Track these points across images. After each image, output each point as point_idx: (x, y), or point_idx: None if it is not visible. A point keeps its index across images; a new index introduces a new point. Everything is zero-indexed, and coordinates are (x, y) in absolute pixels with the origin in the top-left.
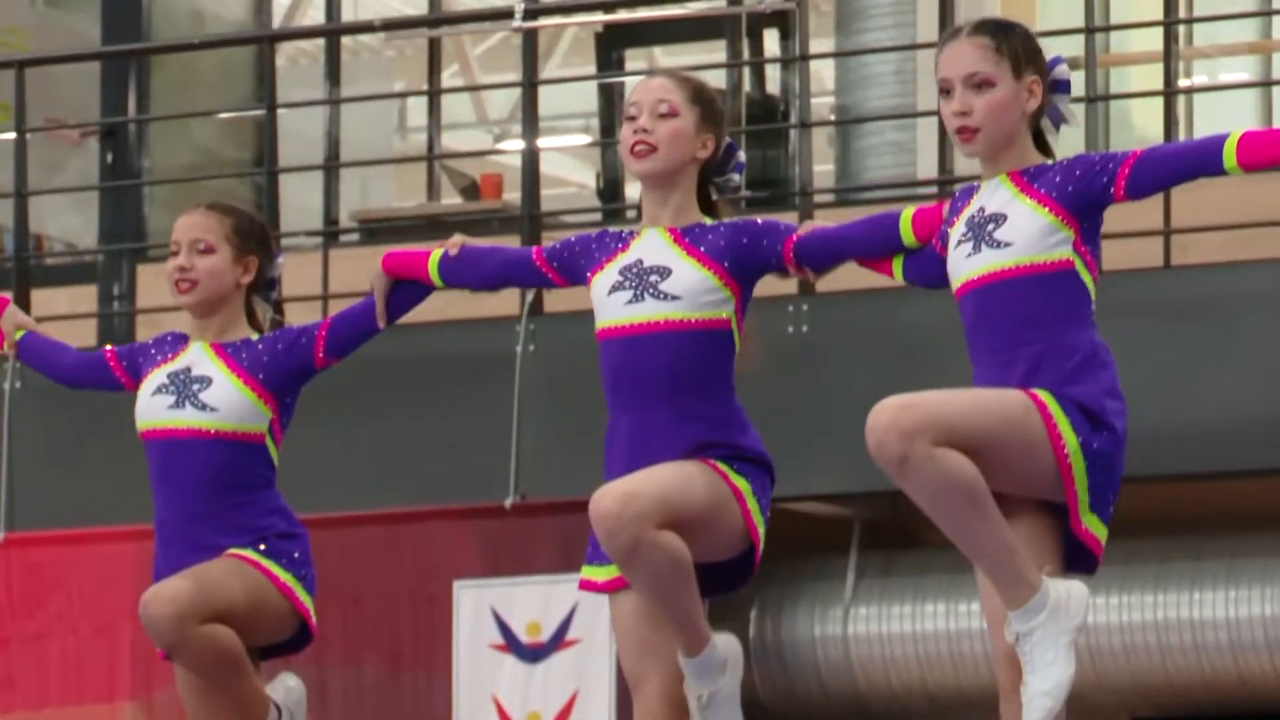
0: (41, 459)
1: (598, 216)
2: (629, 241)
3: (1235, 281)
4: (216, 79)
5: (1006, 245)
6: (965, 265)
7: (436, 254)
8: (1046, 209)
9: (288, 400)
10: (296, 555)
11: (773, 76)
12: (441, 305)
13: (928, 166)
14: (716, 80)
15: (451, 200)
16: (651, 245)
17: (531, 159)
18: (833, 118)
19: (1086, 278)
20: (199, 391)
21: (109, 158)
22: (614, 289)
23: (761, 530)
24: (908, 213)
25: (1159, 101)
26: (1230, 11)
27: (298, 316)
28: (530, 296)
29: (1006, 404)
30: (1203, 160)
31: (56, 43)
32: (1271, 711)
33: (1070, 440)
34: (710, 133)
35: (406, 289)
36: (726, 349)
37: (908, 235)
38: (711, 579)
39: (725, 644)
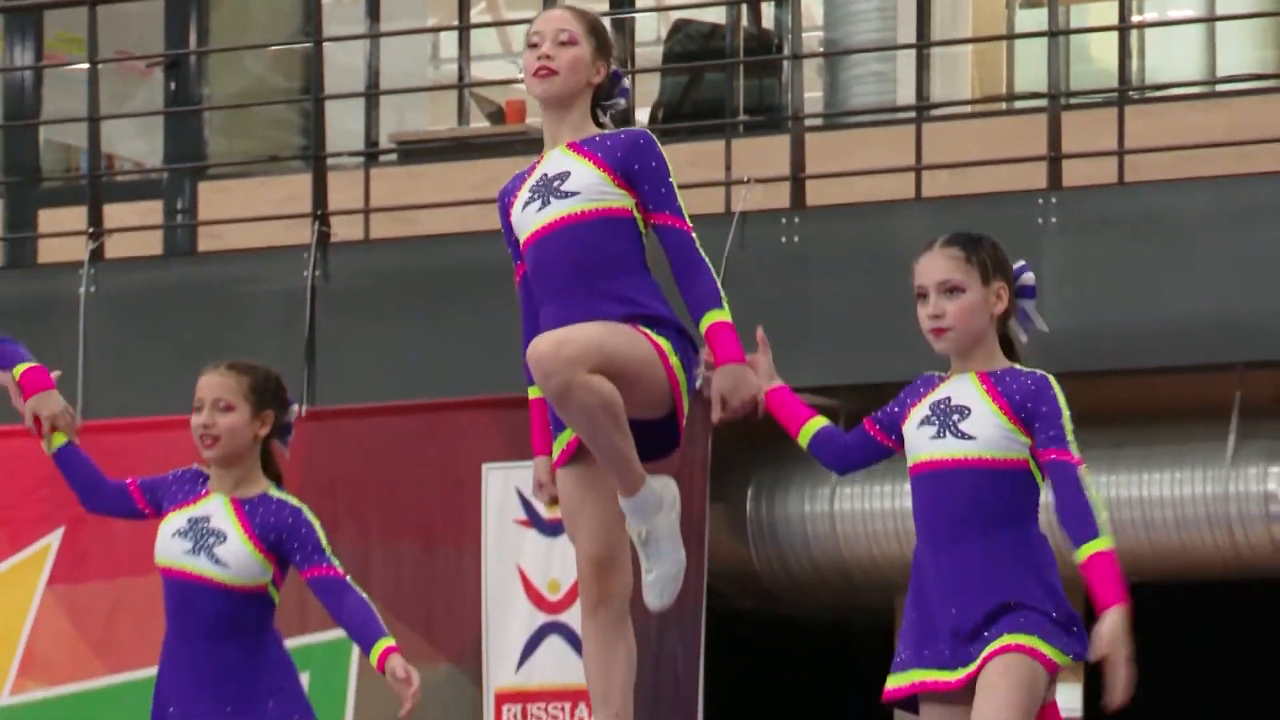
0: (111, 356)
1: None
2: (534, 166)
3: (1182, 198)
4: (268, 16)
5: (971, 438)
6: (927, 445)
7: None
8: (1007, 418)
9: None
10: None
11: (767, 13)
12: (465, 218)
13: (906, 94)
14: (717, 17)
15: (480, 124)
16: (554, 160)
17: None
18: (821, 50)
19: (1038, 477)
20: (214, 545)
21: (172, 86)
22: (526, 205)
23: (684, 389)
24: (816, 426)
25: (1115, 35)
26: None
27: (344, 229)
28: None
29: None
30: (1070, 538)
31: None
32: (1210, 579)
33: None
34: (603, 61)
35: None
36: (632, 233)
37: (804, 438)
38: (642, 442)
39: (661, 485)
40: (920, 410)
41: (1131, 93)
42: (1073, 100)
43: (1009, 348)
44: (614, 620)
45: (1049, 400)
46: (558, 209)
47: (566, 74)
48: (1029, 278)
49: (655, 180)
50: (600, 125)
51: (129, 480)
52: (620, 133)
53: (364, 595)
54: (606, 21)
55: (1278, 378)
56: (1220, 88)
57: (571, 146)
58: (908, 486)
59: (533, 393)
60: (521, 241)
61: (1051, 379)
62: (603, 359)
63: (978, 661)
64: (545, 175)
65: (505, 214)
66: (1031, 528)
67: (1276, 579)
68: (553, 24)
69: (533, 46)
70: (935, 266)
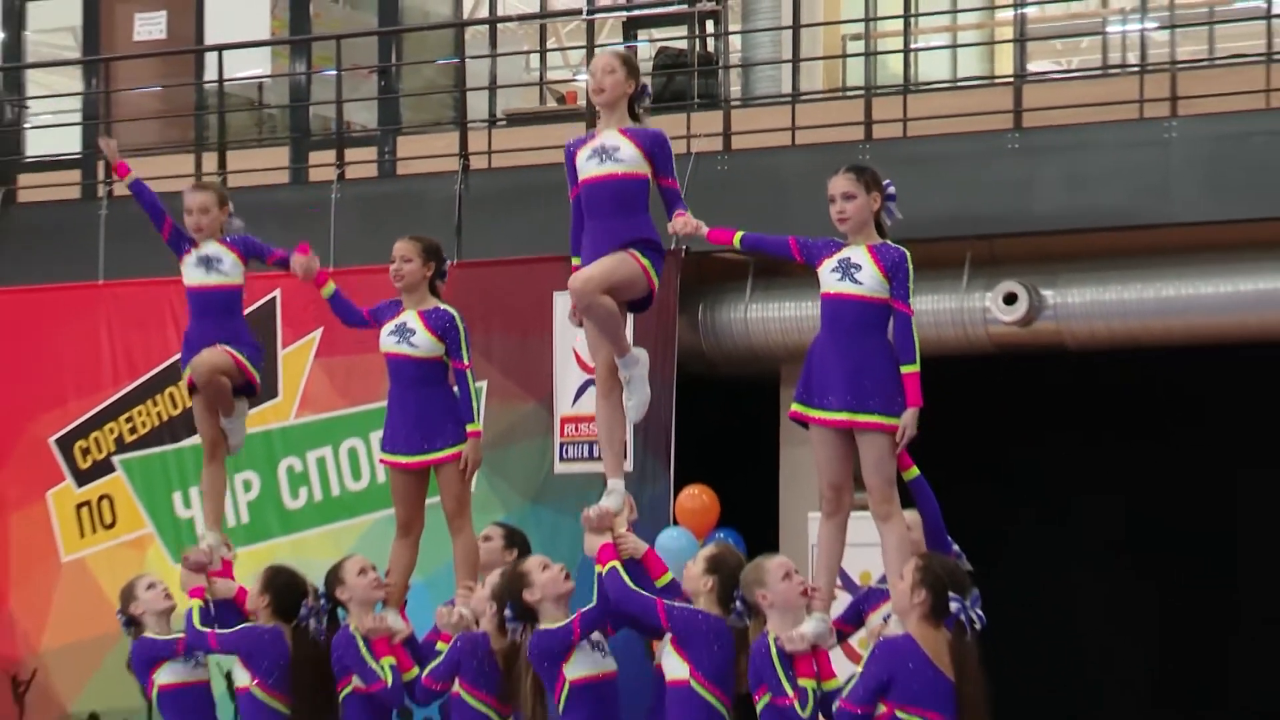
0: (351, 233)
1: None
2: (594, 135)
3: (940, 145)
4: (436, 43)
5: (860, 283)
6: (835, 284)
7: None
8: (881, 274)
9: (447, 341)
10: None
11: (710, 44)
12: (544, 157)
13: (787, 86)
14: (680, 44)
15: (551, 105)
16: (609, 136)
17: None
18: (740, 63)
19: (894, 311)
20: (409, 336)
21: (382, 82)
22: (589, 158)
23: (656, 282)
24: (740, 234)
25: (901, 55)
26: (941, 8)
27: (476, 162)
28: None
29: None
30: (898, 354)
31: (355, 26)
32: (954, 357)
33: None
34: (633, 80)
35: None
36: (645, 188)
37: (737, 241)
38: (633, 306)
39: (639, 352)
40: (831, 262)
41: (911, 86)
42: (878, 91)
43: (881, 230)
44: (617, 397)
45: (903, 269)
46: (610, 167)
47: (610, 91)
48: (892, 190)
49: (665, 161)
50: (634, 116)
51: (365, 310)
52: (649, 130)
53: (473, 388)
54: (623, 48)
55: (990, 245)
56: (960, 84)
57: (621, 131)
58: (787, 304)
59: (575, 261)
60: (580, 179)
61: (907, 253)
62: (609, 284)
63: (857, 415)
64: (603, 145)
65: (571, 158)
66: (886, 335)
67: (990, 357)
68: (601, 62)
69: (592, 75)
70: (840, 183)
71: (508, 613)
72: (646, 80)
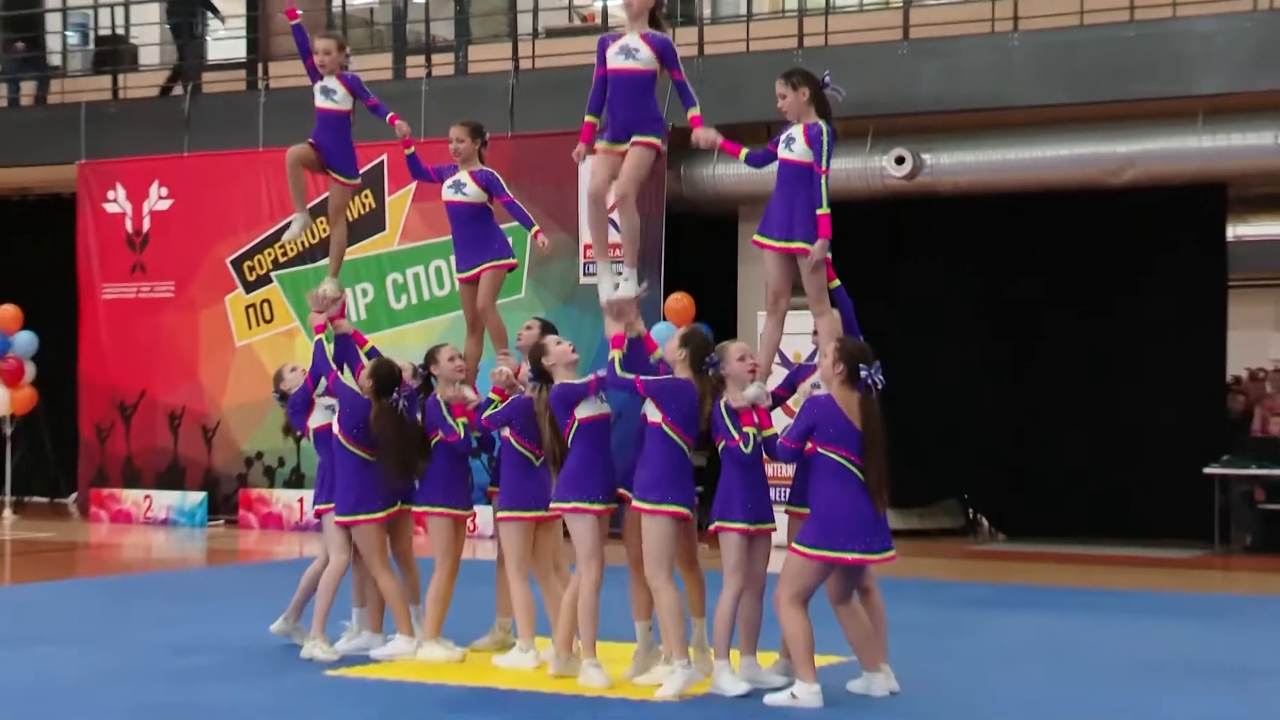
0: (433, 116)
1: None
2: (621, 35)
3: (858, 53)
4: None
5: (793, 151)
6: (781, 153)
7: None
8: (807, 145)
9: (490, 189)
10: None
11: None
12: (575, 59)
13: (742, 9)
14: None
15: (578, 23)
16: (632, 39)
17: (604, 5)
18: None
19: (815, 173)
20: (462, 187)
21: (457, 6)
22: (616, 54)
23: (661, 145)
24: (745, 152)
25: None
26: None
27: (524, 64)
28: None
29: None
30: (815, 200)
31: None
32: (859, 201)
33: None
34: None
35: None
36: (654, 80)
37: (742, 157)
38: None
39: (631, 271)
40: (783, 140)
41: (831, 8)
42: (808, 12)
43: (825, 108)
44: (629, 206)
45: (819, 141)
46: (630, 63)
47: (637, 5)
48: (827, 78)
49: (671, 58)
50: (655, 22)
51: (431, 168)
52: (661, 36)
53: (522, 207)
54: None
55: (886, 122)
56: (866, 7)
57: (641, 35)
58: (742, 170)
59: (590, 119)
60: (610, 68)
61: (823, 127)
62: (633, 168)
63: (790, 243)
64: (627, 45)
65: (603, 50)
66: (813, 187)
67: (885, 201)
68: None
69: None
70: (777, 86)
71: (529, 373)
72: None
